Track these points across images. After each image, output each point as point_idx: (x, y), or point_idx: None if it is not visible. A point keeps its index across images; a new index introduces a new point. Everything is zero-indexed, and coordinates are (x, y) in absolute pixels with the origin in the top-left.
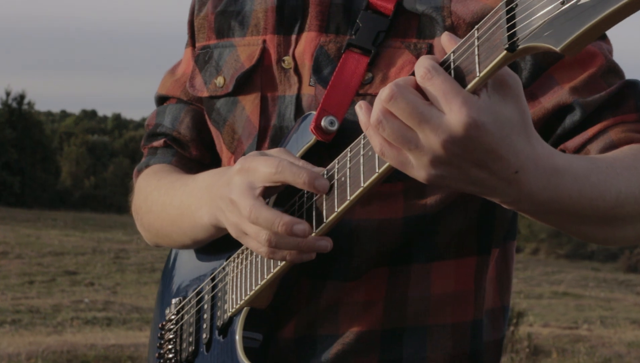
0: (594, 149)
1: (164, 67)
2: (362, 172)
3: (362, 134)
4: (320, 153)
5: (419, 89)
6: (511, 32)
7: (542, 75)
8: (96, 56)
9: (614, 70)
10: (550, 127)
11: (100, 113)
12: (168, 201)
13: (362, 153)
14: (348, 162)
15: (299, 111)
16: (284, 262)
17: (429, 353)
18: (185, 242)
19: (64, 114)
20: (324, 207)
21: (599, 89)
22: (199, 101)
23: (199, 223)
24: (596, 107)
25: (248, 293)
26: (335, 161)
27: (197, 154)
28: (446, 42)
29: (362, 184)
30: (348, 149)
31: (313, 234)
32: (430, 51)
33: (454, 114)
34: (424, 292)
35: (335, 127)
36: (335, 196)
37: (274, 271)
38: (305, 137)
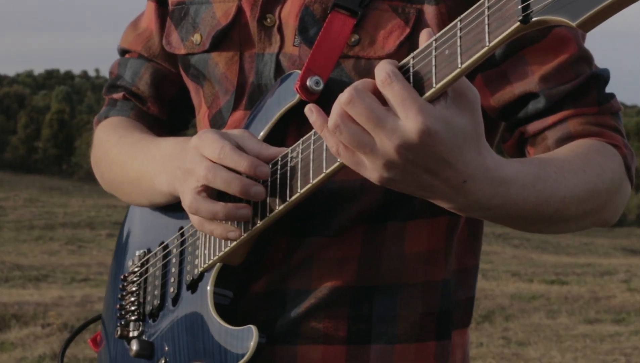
0: (552, 137)
1: (37, 21)
2: (311, 169)
3: (313, 130)
4: (301, 113)
5: (378, 93)
6: (525, 3)
7: (515, 55)
8: None
9: (584, 57)
10: (513, 109)
11: None
12: (129, 162)
13: (312, 147)
14: (300, 153)
15: (279, 70)
16: (264, 219)
17: (399, 311)
18: (143, 203)
19: None
20: (288, 186)
21: (566, 78)
22: (160, 58)
23: (157, 189)
24: (560, 98)
25: (222, 249)
26: (300, 142)
27: (155, 110)
28: (423, 39)
29: (310, 181)
30: (300, 141)
31: (274, 212)
32: (419, 17)
33: (410, 121)
34: (398, 251)
35: (320, 87)
36: (288, 186)
37: (251, 228)
38: (289, 96)
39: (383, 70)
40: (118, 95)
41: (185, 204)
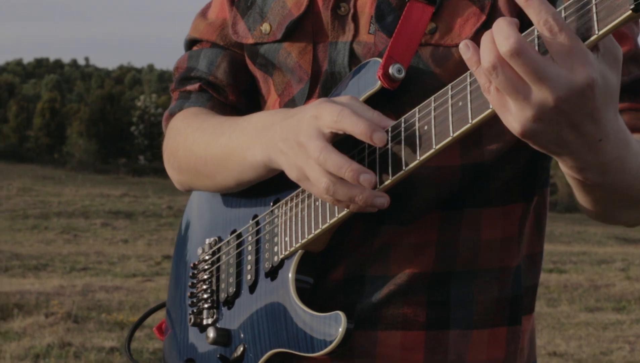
0: None
1: (24, 11)
2: (451, 122)
3: (449, 85)
4: (380, 101)
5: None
6: None
7: None
8: None
9: (636, 58)
10: None
11: None
12: (213, 141)
13: (450, 102)
14: (432, 111)
15: (353, 58)
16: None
17: (475, 297)
18: (229, 183)
19: None
20: (403, 154)
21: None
22: (237, 46)
23: (248, 161)
24: None
25: (306, 236)
26: (416, 110)
27: (233, 99)
28: None
29: (451, 134)
30: (432, 98)
31: (389, 180)
32: (494, 4)
33: (576, 72)
34: (474, 237)
35: (402, 75)
36: (418, 145)
37: (338, 216)
38: (369, 83)
39: (546, 17)
40: (192, 86)
41: (297, 173)
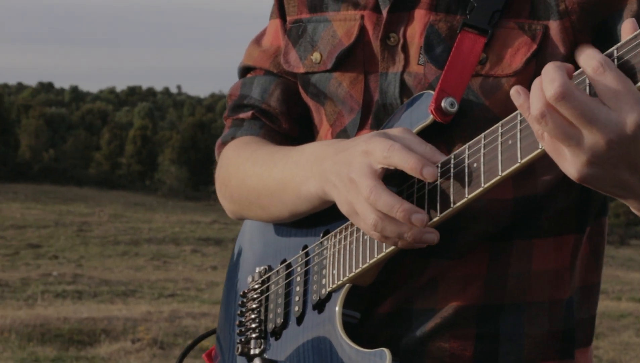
0: None
1: (118, 40)
2: (500, 161)
3: (500, 123)
4: (432, 134)
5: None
6: None
7: None
8: (52, 27)
9: None
10: None
11: (57, 85)
12: (266, 173)
13: (500, 140)
14: (482, 149)
15: (404, 89)
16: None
17: (525, 330)
18: (283, 215)
19: (20, 87)
20: (452, 192)
21: None
22: (290, 74)
23: (303, 194)
24: None
25: (353, 270)
26: (466, 146)
27: (286, 127)
28: (627, 29)
29: (499, 173)
30: (482, 136)
31: (437, 217)
32: (545, 32)
33: (625, 114)
34: (524, 269)
35: (455, 109)
36: (466, 183)
37: (386, 251)
38: (421, 116)
39: (595, 58)
40: (245, 114)
41: (347, 208)
